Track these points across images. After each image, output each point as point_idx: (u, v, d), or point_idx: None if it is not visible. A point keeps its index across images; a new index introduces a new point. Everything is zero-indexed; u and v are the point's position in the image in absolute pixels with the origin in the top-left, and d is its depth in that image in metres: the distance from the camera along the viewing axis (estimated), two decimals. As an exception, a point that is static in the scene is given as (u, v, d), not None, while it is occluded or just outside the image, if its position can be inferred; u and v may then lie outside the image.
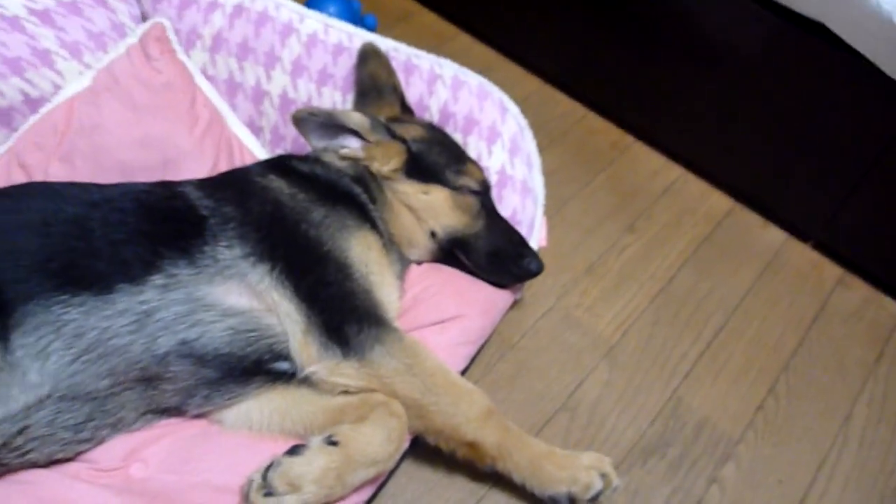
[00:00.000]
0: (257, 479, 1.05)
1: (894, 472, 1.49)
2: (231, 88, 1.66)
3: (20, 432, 1.03)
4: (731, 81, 1.88)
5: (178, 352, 1.11)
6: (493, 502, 1.30)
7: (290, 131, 1.64)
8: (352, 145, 1.42)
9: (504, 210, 1.53)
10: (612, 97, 2.17)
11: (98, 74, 1.52)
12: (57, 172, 1.43)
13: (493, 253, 1.42)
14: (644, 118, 2.13)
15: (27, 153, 1.44)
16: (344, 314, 1.18)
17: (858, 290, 1.86)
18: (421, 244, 1.43)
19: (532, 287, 1.65)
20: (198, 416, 1.20)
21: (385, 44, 1.66)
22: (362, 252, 1.27)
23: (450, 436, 1.18)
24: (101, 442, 1.13)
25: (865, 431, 1.56)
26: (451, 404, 1.17)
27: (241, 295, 1.17)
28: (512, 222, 1.50)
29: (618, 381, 1.55)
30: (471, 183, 1.44)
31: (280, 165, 1.39)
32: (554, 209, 1.83)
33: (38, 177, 1.43)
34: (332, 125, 1.43)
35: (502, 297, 1.45)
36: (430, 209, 1.41)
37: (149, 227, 1.19)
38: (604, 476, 1.21)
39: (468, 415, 1.17)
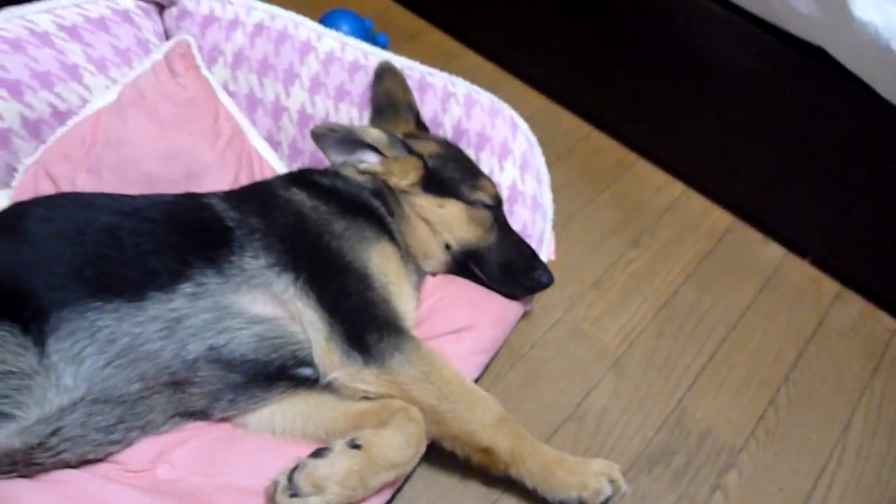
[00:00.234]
0: (283, 480, 1.09)
1: (890, 481, 1.54)
2: (251, 104, 1.71)
3: (54, 433, 1.07)
4: (733, 102, 1.94)
5: (206, 357, 1.15)
6: (506, 506, 1.35)
7: (308, 146, 1.69)
8: (369, 160, 1.47)
9: (515, 224, 1.58)
10: (616, 115, 2.23)
11: (124, 89, 1.57)
12: (84, 183, 1.48)
13: (506, 265, 1.47)
14: (647, 136, 2.18)
15: (55, 164, 1.49)
16: (365, 323, 1.22)
17: (855, 305, 1.92)
18: (436, 256, 1.48)
19: (541, 299, 1.70)
20: (223, 420, 1.24)
21: (400, 62, 1.71)
22: (381, 263, 1.31)
23: (465, 441, 1.22)
24: (130, 444, 1.17)
25: (863, 442, 1.61)
26: (466, 411, 1.20)
27: (266, 303, 1.22)
28: (522, 236, 1.55)
29: (624, 391, 1.60)
30: (484, 197, 1.49)
31: (301, 179, 1.43)
32: (560, 224, 1.88)
33: (66, 187, 1.47)
34: (350, 140, 1.47)
35: (513, 309, 1.50)
36: (445, 222, 1.46)
37: (177, 238, 1.24)
38: (613, 482, 1.25)
39: (483, 421, 1.21)
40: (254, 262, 1.23)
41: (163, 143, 1.52)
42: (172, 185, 1.49)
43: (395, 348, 1.21)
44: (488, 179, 1.55)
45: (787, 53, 1.76)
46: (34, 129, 1.51)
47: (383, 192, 1.45)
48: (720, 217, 2.08)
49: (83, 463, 1.14)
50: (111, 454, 1.16)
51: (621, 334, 1.72)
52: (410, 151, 1.48)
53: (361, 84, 1.69)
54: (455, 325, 1.39)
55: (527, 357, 1.62)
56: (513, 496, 1.34)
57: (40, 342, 1.08)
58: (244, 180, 1.58)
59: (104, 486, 1.10)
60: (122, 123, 1.51)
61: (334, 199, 1.38)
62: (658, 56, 2.03)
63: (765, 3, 1.73)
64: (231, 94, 1.70)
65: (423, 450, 1.20)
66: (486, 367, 1.44)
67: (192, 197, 1.36)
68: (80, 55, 1.56)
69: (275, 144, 1.72)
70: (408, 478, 1.28)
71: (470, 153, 1.63)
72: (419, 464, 1.25)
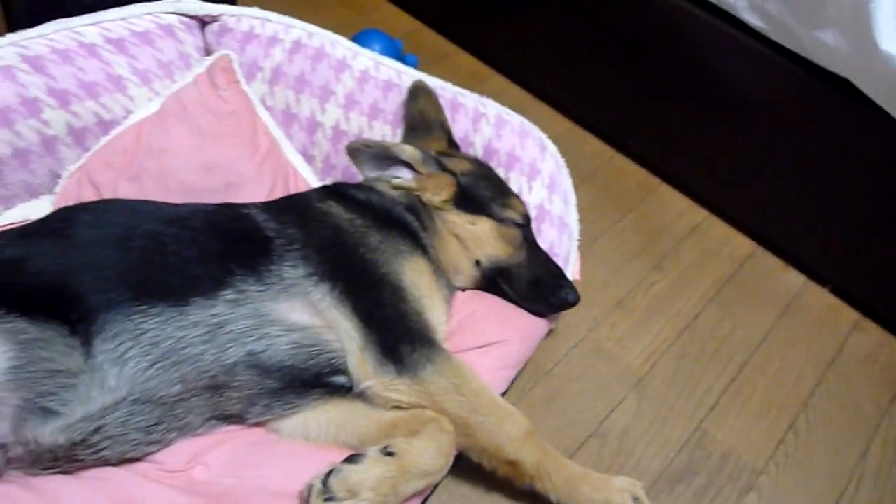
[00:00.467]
0: (318, 484, 1.11)
1: (909, 510, 1.56)
2: (287, 119, 1.75)
3: (96, 431, 1.10)
4: (757, 130, 1.98)
5: (245, 362, 1.18)
6: (529, 520, 1.36)
7: (341, 161, 1.73)
8: (403, 176, 1.51)
9: (542, 243, 1.60)
10: (640, 140, 2.26)
11: (167, 100, 1.61)
12: (126, 191, 1.52)
13: (534, 282, 1.50)
14: (671, 162, 2.22)
15: (98, 172, 1.53)
16: (398, 334, 1.25)
17: (873, 335, 1.94)
18: (466, 272, 1.51)
19: (565, 318, 1.72)
20: (257, 425, 1.27)
21: (432, 82, 1.75)
22: (415, 276, 1.34)
23: (493, 454, 1.24)
24: (168, 444, 1.19)
25: (881, 469, 1.62)
26: (495, 424, 1.23)
27: (303, 312, 1.25)
28: (549, 255, 1.58)
29: (646, 411, 1.62)
30: (514, 216, 1.52)
31: (337, 192, 1.47)
32: (585, 245, 1.90)
33: (108, 194, 1.51)
34: (385, 157, 1.52)
35: (540, 326, 1.53)
36: (476, 239, 1.49)
37: (219, 246, 1.27)
38: (636, 500, 1.26)
39: (511, 435, 1.23)
40: (292, 271, 1.27)
41: (203, 154, 1.56)
42: (211, 195, 1.53)
43: (427, 360, 1.24)
44: (518, 198, 1.58)
45: (812, 84, 1.79)
46: (79, 137, 1.55)
47: (416, 207, 1.49)
48: (741, 243, 2.10)
49: (122, 462, 1.16)
50: (149, 454, 1.18)
51: (644, 355, 1.74)
52: (443, 169, 1.51)
53: (395, 102, 1.73)
54: (484, 339, 1.42)
55: (550, 374, 1.65)
56: (536, 510, 1.36)
57: (86, 343, 1.11)
58: (279, 193, 1.61)
59: (143, 484, 1.13)
60: (164, 134, 1.56)
61: (370, 212, 1.41)
62: (683, 83, 2.07)
63: (791, 35, 1.77)
64: (268, 109, 1.74)
65: (452, 460, 1.22)
66: (512, 382, 1.47)
67: (231, 207, 1.40)
68: (125, 67, 1.60)
69: (308, 159, 1.76)
70: (434, 489, 1.30)
71: (500, 172, 1.67)
72: (445, 475, 1.27)
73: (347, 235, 1.35)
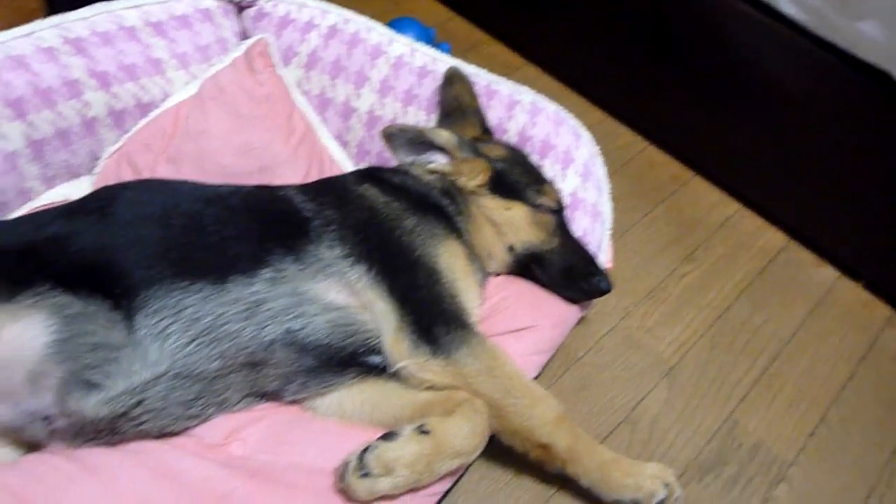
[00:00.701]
0: (354, 461, 1.12)
1: (941, 506, 1.54)
2: (322, 103, 1.77)
3: (138, 404, 1.11)
4: (792, 123, 1.96)
5: (283, 340, 1.20)
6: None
7: (375, 147, 1.74)
8: (438, 161, 1.51)
9: (575, 231, 1.60)
10: (673, 132, 2.25)
11: (204, 83, 1.63)
12: (164, 172, 1.54)
13: (567, 269, 1.50)
14: (703, 154, 2.21)
15: (137, 153, 1.55)
16: (433, 316, 1.26)
17: (907, 331, 1.92)
18: (499, 257, 1.52)
19: (596, 306, 1.72)
20: (293, 402, 1.29)
21: (467, 69, 1.76)
22: (450, 259, 1.35)
23: (525, 437, 1.25)
24: (206, 419, 1.21)
25: (913, 466, 1.61)
26: (528, 406, 1.23)
27: (340, 292, 1.26)
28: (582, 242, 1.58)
29: (676, 400, 1.62)
30: (549, 202, 1.52)
31: (373, 176, 1.48)
32: (617, 235, 1.90)
33: (146, 175, 1.54)
34: (420, 142, 1.52)
35: (572, 312, 1.53)
36: (510, 224, 1.50)
37: (258, 226, 1.29)
38: (667, 486, 1.27)
39: (543, 418, 1.23)
40: (329, 251, 1.28)
41: (240, 136, 1.58)
42: (247, 177, 1.55)
43: (461, 342, 1.25)
44: (552, 185, 1.58)
45: (850, 76, 1.77)
46: (118, 118, 1.58)
47: (451, 191, 1.49)
48: (774, 236, 2.09)
49: (162, 435, 1.18)
50: (188, 428, 1.20)
51: (675, 345, 1.74)
52: (478, 154, 1.52)
53: (429, 88, 1.74)
54: (517, 324, 1.42)
55: (581, 361, 1.65)
56: (566, 494, 1.36)
57: (129, 318, 1.12)
58: (314, 176, 1.63)
59: (182, 458, 1.14)
60: (202, 116, 1.58)
61: (405, 196, 1.42)
62: (718, 74, 2.06)
63: (830, 26, 1.75)
64: (304, 94, 1.76)
65: (486, 441, 1.23)
66: (543, 367, 1.47)
67: (269, 189, 1.41)
68: (164, 50, 1.63)
69: (343, 143, 1.78)
70: (465, 470, 1.31)
71: (534, 159, 1.67)
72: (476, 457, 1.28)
73: (383, 218, 1.36)
